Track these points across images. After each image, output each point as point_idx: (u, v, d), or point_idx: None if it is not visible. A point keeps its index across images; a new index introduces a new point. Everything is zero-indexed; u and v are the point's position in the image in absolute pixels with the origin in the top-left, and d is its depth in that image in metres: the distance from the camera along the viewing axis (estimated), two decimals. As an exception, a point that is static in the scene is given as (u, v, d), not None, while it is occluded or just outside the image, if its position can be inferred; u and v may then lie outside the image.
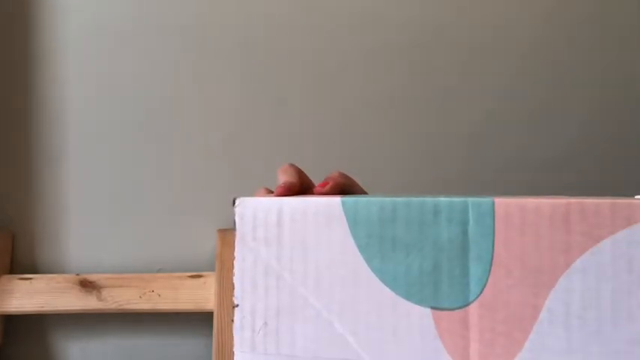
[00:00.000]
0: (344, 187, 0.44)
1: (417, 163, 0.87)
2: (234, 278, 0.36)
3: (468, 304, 0.33)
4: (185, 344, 0.86)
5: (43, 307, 0.80)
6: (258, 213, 0.36)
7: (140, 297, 0.80)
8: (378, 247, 0.34)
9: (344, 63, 0.87)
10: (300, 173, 0.44)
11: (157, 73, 0.86)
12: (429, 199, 0.34)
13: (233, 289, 0.36)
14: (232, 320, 0.36)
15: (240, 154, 0.86)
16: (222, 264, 0.81)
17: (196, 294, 0.80)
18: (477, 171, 0.87)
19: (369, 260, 0.34)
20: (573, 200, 0.32)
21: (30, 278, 0.81)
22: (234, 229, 0.36)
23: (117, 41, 0.86)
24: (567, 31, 0.88)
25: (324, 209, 0.35)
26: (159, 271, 0.85)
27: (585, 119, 0.88)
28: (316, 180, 0.45)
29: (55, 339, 0.86)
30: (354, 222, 0.34)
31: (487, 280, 0.33)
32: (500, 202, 0.33)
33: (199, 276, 0.82)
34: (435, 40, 0.87)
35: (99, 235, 0.86)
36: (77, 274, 0.82)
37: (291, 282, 0.35)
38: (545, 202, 0.32)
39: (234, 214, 0.36)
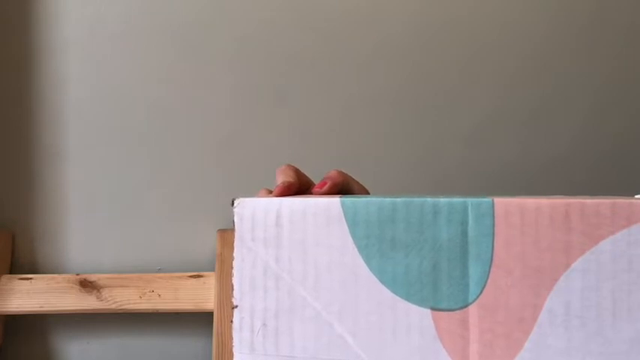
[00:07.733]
0: (342, 186, 0.44)
1: (417, 163, 0.87)
2: (233, 279, 0.36)
3: (467, 305, 0.33)
4: (185, 344, 0.86)
5: (43, 307, 0.80)
6: (257, 213, 0.35)
7: (140, 297, 0.80)
8: (377, 247, 0.34)
9: (343, 62, 0.87)
10: (298, 173, 0.43)
11: (156, 73, 0.86)
12: (429, 199, 0.34)
13: (232, 289, 0.36)
14: (231, 321, 0.36)
15: (240, 154, 0.86)
16: (222, 264, 0.81)
17: (196, 294, 0.80)
18: (476, 171, 0.87)
19: (368, 260, 0.34)
20: (573, 200, 0.32)
21: (30, 278, 0.81)
22: (233, 229, 0.36)
23: (117, 41, 0.86)
24: (567, 31, 0.88)
25: (324, 209, 0.35)
26: (159, 271, 0.85)
27: (585, 119, 0.88)
28: (315, 180, 0.45)
29: (55, 339, 0.86)
30: (353, 222, 0.34)
31: (487, 280, 0.33)
32: (500, 202, 0.33)
33: (199, 276, 0.82)
34: (435, 40, 0.87)
35: (99, 235, 0.86)
36: (77, 274, 0.82)
37: (291, 282, 0.35)
38: (545, 202, 0.32)
39: (233, 215, 0.36)
